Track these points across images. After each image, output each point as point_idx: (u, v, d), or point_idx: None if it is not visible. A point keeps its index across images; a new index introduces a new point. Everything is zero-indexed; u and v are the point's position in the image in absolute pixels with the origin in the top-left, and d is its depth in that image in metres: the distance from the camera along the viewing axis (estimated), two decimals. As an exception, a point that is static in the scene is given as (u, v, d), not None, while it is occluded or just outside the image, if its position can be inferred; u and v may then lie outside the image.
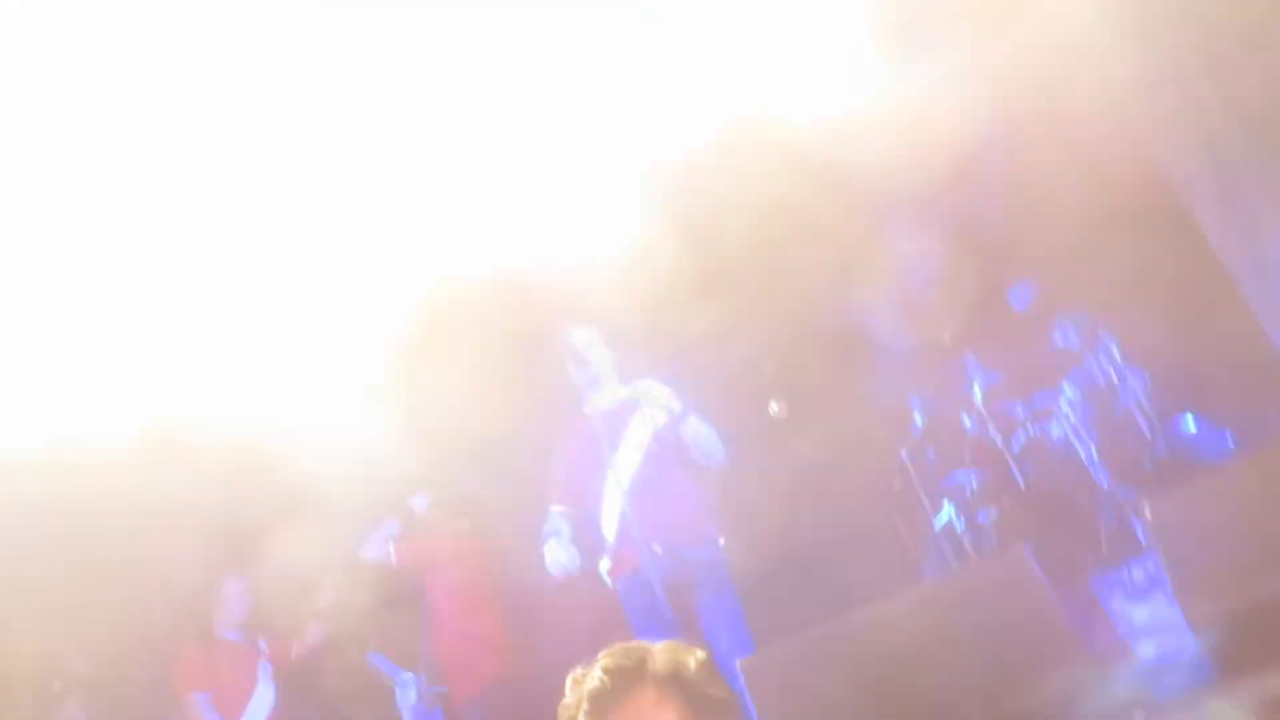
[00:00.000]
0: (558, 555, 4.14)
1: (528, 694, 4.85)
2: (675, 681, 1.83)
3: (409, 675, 5.34)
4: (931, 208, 5.73)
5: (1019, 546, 2.62)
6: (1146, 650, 4.16)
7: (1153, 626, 4.18)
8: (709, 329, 6.31)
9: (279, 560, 6.06)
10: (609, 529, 4.21)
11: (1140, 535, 4.53)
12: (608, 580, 4.25)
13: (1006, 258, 6.04)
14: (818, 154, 4.49)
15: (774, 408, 6.20)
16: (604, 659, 1.89)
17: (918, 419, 5.45)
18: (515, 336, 5.90)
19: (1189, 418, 5.12)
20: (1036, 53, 4.05)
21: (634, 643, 1.96)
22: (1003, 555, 2.81)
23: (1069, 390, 5.13)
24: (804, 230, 5.82)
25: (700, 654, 1.95)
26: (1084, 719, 2.49)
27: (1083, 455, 4.93)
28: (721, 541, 4.16)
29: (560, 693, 1.93)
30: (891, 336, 6.42)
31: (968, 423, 5.37)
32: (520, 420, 5.91)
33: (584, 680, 1.87)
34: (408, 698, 5.10)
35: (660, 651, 1.90)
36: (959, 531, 5.07)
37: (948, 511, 5.19)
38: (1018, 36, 4.09)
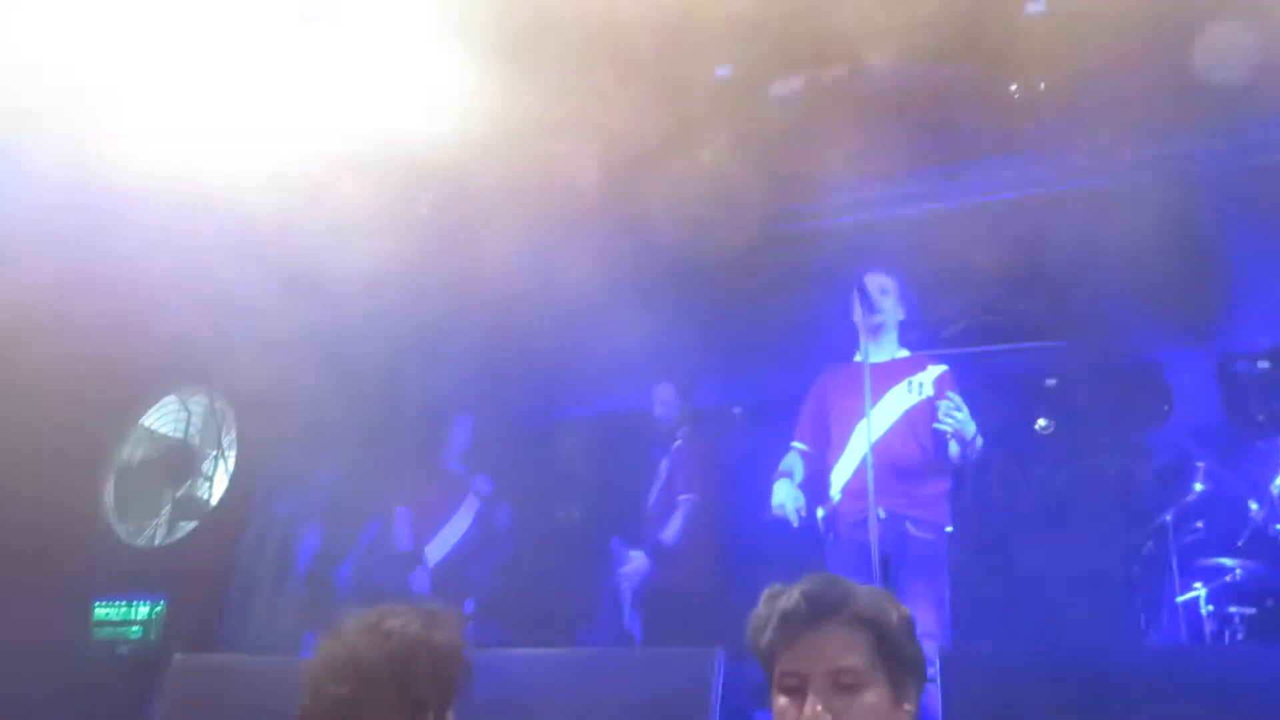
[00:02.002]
0: (785, 496, 4.09)
1: (717, 597, 4.96)
2: (872, 626, 1.77)
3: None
4: None
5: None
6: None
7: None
8: (1003, 327, 6.05)
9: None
10: (839, 480, 4.15)
11: None
12: (820, 528, 4.21)
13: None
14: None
15: (1042, 423, 5.90)
16: (807, 583, 1.85)
17: (1198, 485, 4.99)
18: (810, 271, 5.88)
19: None
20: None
21: (839, 577, 1.91)
22: (1266, 646, 2.51)
23: (1387, 517, 4.54)
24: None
25: (903, 609, 1.89)
26: None
27: (1378, 590, 4.39)
28: (949, 529, 4.01)
29: (748, 606, 1.90)
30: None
31: (1255, 509, 4.87)
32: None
33: (780, 598, 1.84)
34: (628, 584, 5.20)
35: (865, 593, 1.85)
36: (1202, 615, 4.66)
37: (1198, 591, 4.76)
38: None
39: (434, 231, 5.73)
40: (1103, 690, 2.52)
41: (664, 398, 5.52)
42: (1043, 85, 4.54)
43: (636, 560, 5.04)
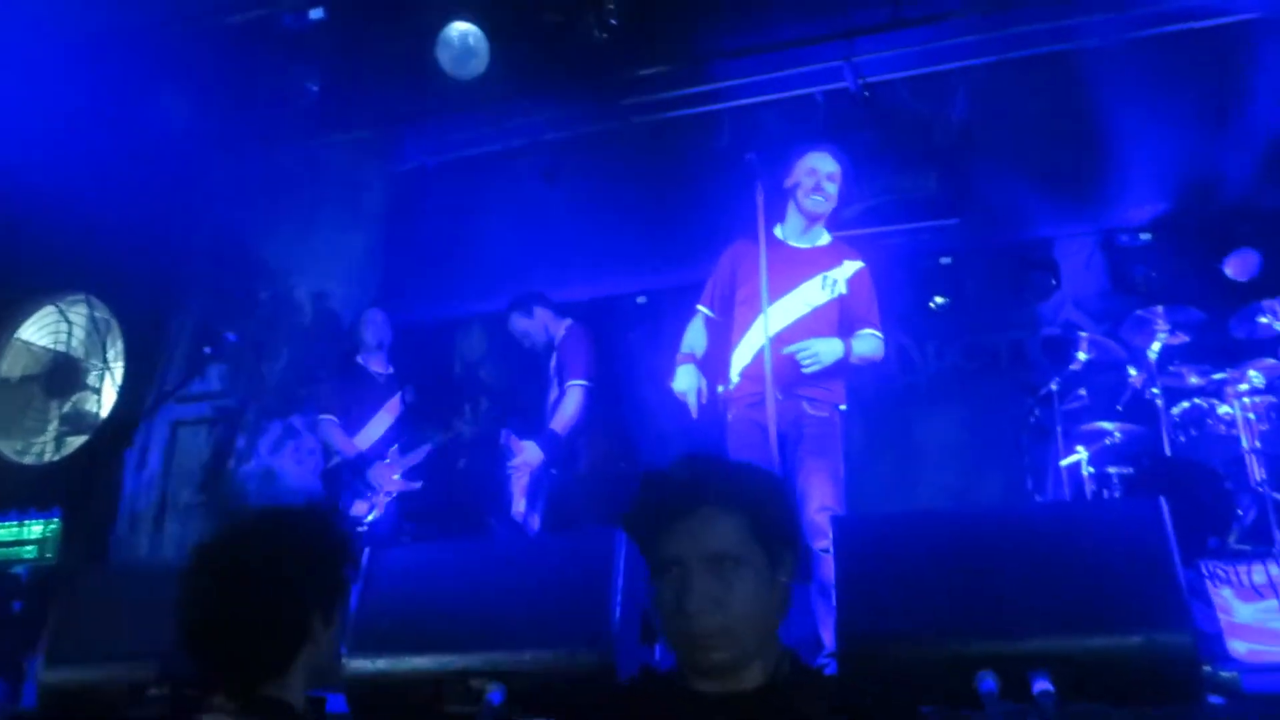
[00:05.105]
0: (686, 385, 4.09)
1: (624, 481, 5.00)
2: (745, 505, 1.74)
3: None
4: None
5: (1157, 498, 2.45)
6: (1238, 649, 4.01)
7: (1255, 630, 4.01)
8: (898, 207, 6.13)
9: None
10: (739, 363, 4.15)
11: (1276, 539, 4.31)
12: (720, 408, 4.23)
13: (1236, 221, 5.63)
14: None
15: (938, 300, 6.03)
16: (678, 468, 1.80)
17: (1081, 355, 5.18)
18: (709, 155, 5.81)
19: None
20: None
21: (712, 456, 1.89)
22: (1136, 500, 2.67)
23: (1254, 375, 4.77)
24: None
25: (775, 480, 1.89)
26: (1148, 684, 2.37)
27: (1245, 443, 4.65)
28: (843, 408, 4.08)
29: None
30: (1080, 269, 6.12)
31: (1134, 375, 5.09)
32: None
33: (655, 484, 1.82)
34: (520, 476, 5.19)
35: (737, 471, 1.83)
36: (1084, 476, 4.89)
37: (1080, 454, 4.99)
38: None
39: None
40: (991, 546, 2.61)
41: (517, 329, 5.43)
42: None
43: (528, 451, 5.00)
